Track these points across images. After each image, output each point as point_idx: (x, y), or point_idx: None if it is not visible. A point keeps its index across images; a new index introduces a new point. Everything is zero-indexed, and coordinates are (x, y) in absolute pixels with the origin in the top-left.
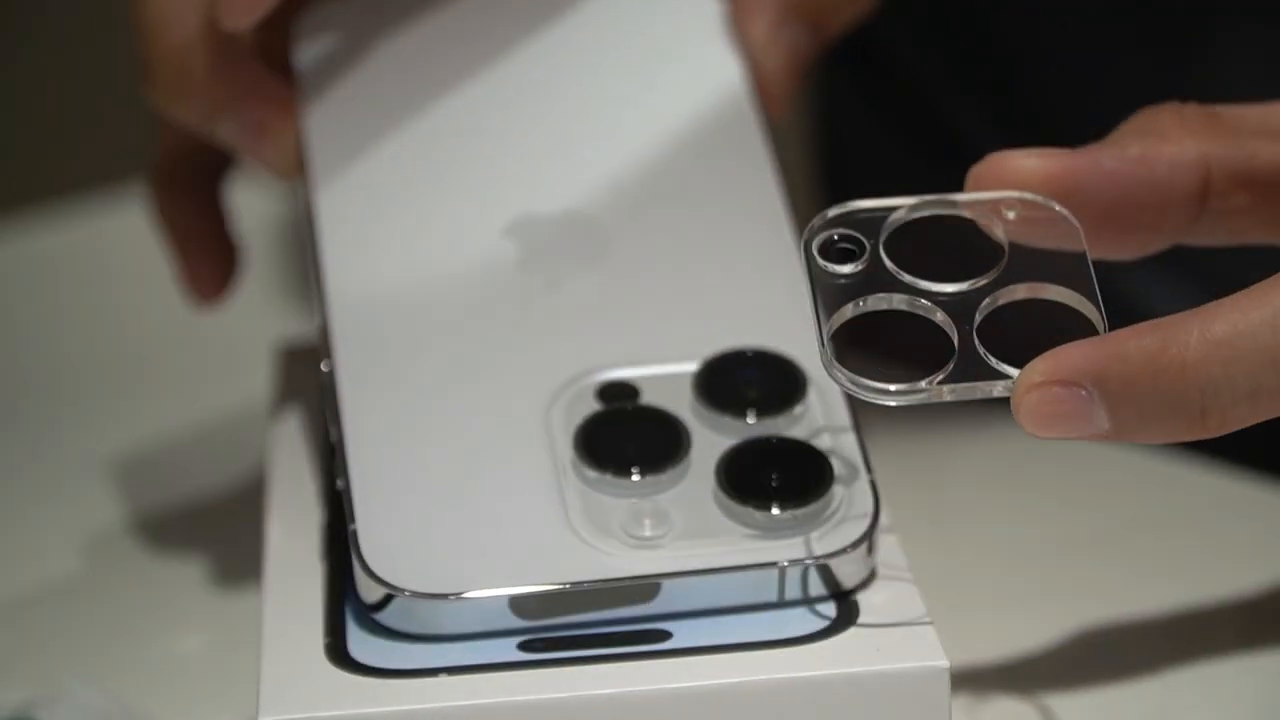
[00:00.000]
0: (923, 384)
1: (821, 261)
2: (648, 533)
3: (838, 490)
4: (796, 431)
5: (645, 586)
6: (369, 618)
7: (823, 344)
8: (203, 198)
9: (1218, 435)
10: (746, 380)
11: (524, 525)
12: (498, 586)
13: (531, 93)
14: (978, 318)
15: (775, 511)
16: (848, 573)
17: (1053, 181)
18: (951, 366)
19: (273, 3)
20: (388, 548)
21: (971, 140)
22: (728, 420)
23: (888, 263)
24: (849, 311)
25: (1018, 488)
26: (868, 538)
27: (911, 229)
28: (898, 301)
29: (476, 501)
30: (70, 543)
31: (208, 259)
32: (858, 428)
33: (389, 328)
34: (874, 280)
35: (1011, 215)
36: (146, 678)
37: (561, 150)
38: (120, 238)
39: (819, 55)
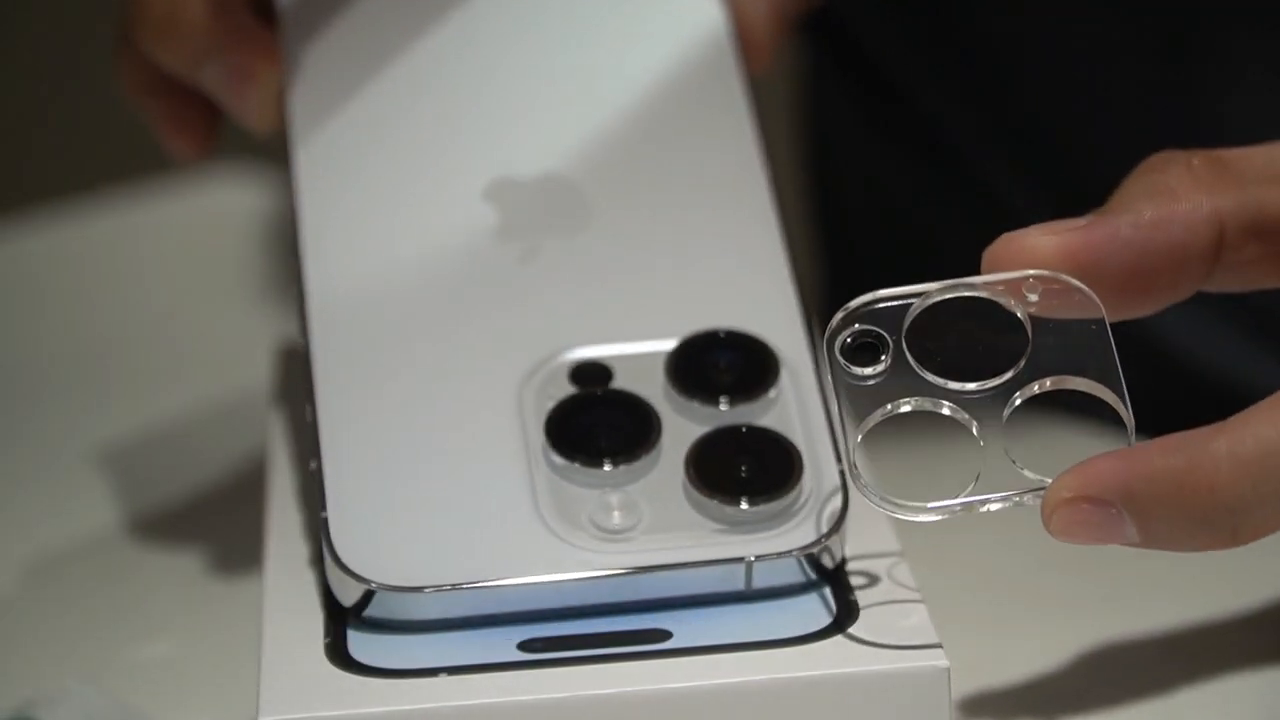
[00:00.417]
0: (957, 502)
1: (844, 363)
2: (616, 524)
3: (807, 483)
4: (769, 419)
5: (613, 582)
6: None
7: (849, 456)
8: None
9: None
10: (719, 364)
11: (493, 514)
12: (463, 580)
13: (515, 48)
14: (1005, 414)
15: (743, 506)
16: (816, 565)
17: (1071, 258)
18: (980, 476)
19: None
20: (358, 538)
21: (958, 140)
22: (698, 406)
23: (911, 361)
24: (875, 419)
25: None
26: (835, 530)
27: (933, 318)
28: (923, 404)
29: (446, 488)
30: (71, 543)
31: (189, 110)
32: (829, 415)
33: (367, 305)
34: (897, 382)
35: (1034, 297)
36: (146, 678)
37: (542, 108)
38: (120, 237)
39: (803, 11)
